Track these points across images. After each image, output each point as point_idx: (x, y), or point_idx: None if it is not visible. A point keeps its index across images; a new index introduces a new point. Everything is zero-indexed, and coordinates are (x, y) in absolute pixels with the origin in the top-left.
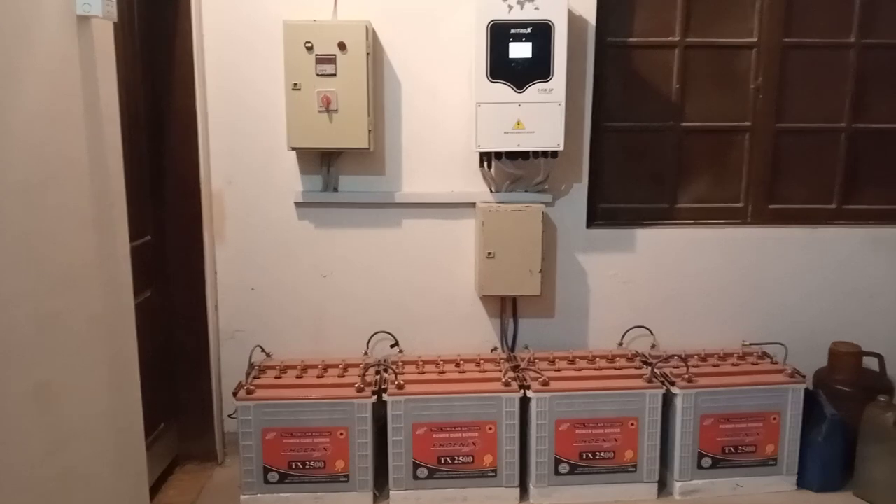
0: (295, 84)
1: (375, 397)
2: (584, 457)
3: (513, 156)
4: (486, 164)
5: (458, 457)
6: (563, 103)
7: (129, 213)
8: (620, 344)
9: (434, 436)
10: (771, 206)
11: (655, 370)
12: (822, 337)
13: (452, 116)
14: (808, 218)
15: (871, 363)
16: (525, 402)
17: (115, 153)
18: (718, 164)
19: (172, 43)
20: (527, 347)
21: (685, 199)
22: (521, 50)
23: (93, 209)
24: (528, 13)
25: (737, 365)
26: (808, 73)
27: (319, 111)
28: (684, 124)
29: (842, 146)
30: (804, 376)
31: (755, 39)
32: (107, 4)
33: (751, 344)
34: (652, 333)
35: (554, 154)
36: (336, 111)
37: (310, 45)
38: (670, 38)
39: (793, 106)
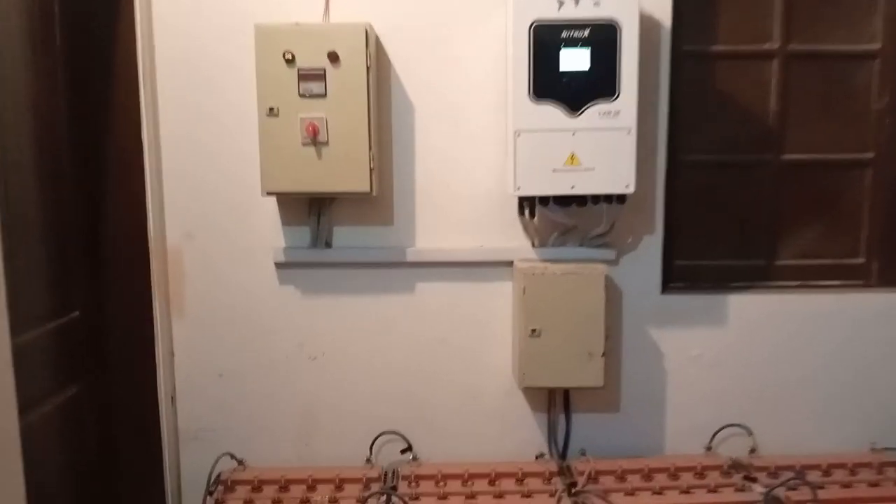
0: (271, 109)
1: None
2: None
3: (564, 201)
4: (527, 211)
5: None
6: (634, 130)
7: (46, 282)
8: (709, 448)
9: None
10: None
11: (773, 495)
12: None
13: (482, 149)
14: None
15: None
16: None
17: None
18: (831, 209)
19: (110, 56)
20: (583, 453)
21: (787, 255)
22: (576, 59)
23: None
24: (586, 11)
25: (876, 485)
26: None
27: (304, 144)
28: (785, 157)
29: None
30: None
31: (878, 46)
32: None
33: (884, 449)
34: (751, 433)
35: (621, 198)
36: (326, 144)
37: (290, 56)
38: (767, 46)
39: None
